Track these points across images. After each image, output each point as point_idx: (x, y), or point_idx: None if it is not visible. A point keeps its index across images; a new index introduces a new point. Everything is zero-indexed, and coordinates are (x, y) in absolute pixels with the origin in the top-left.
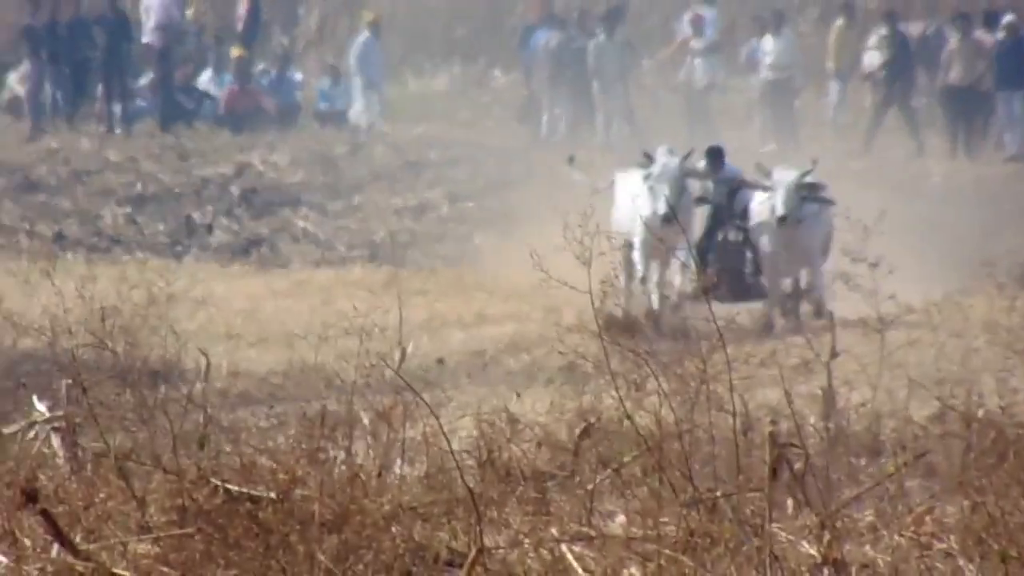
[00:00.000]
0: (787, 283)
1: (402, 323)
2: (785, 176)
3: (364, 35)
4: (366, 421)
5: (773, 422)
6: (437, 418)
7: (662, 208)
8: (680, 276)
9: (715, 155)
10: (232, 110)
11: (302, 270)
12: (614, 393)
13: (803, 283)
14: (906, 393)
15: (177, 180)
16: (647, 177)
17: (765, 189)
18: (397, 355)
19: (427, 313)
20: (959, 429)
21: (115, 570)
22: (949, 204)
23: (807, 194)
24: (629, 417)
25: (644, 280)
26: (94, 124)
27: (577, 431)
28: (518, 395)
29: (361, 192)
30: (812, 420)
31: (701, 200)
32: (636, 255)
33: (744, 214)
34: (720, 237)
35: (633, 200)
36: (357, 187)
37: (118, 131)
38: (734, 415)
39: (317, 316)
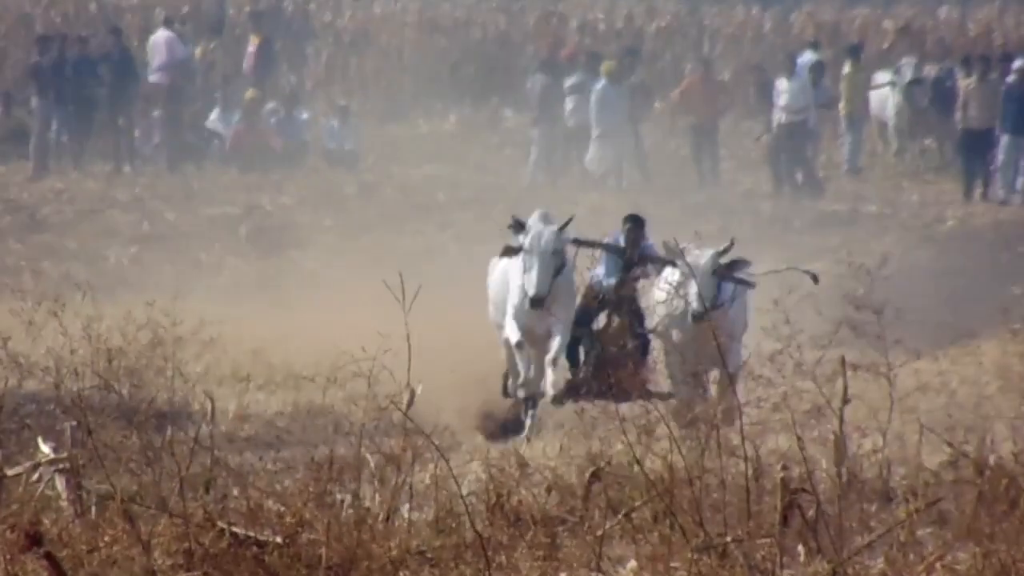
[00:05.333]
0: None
1: (411, 366)
2: (700, 258)
3: (602, 83)
4: (374, 464)
5: (784, 468)
6: (447, 461)
7: (532, 288)
8: (552, 368)
9: (636, 225)
10: (239, 149)
11: (310, 311)
12: (624, 438)
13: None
14: (917, 439)
15: (184, 219)
16: (508, 251)
17: (674, 266)
18: (406, 398)
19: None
20: (971, 476)
21: None
22: (963, 248)
23: (724, 275)
24: (639, 462)
25: (515, 374)
26: (100, 164)
27: (587, 475)
28: (528, 439)
29: (370, 233)
30: (823, 466)
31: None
32: (511, 340)
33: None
34: (604, 322)
35: (503, 280)
36: (366, 228)
37: (126, 170)
38: (745, 460)
39: (325, 358)
